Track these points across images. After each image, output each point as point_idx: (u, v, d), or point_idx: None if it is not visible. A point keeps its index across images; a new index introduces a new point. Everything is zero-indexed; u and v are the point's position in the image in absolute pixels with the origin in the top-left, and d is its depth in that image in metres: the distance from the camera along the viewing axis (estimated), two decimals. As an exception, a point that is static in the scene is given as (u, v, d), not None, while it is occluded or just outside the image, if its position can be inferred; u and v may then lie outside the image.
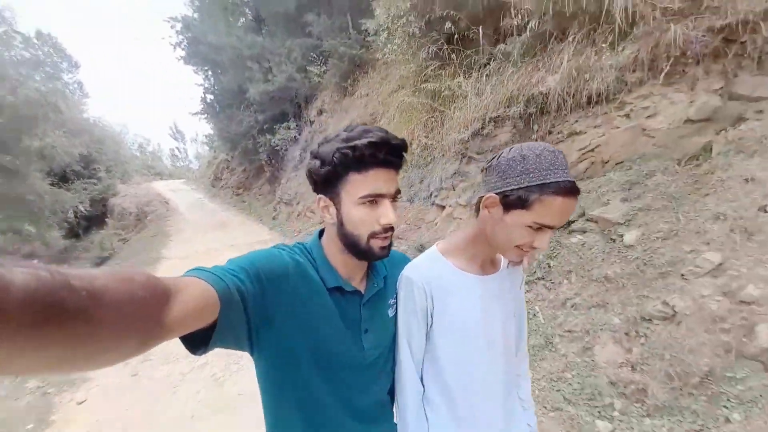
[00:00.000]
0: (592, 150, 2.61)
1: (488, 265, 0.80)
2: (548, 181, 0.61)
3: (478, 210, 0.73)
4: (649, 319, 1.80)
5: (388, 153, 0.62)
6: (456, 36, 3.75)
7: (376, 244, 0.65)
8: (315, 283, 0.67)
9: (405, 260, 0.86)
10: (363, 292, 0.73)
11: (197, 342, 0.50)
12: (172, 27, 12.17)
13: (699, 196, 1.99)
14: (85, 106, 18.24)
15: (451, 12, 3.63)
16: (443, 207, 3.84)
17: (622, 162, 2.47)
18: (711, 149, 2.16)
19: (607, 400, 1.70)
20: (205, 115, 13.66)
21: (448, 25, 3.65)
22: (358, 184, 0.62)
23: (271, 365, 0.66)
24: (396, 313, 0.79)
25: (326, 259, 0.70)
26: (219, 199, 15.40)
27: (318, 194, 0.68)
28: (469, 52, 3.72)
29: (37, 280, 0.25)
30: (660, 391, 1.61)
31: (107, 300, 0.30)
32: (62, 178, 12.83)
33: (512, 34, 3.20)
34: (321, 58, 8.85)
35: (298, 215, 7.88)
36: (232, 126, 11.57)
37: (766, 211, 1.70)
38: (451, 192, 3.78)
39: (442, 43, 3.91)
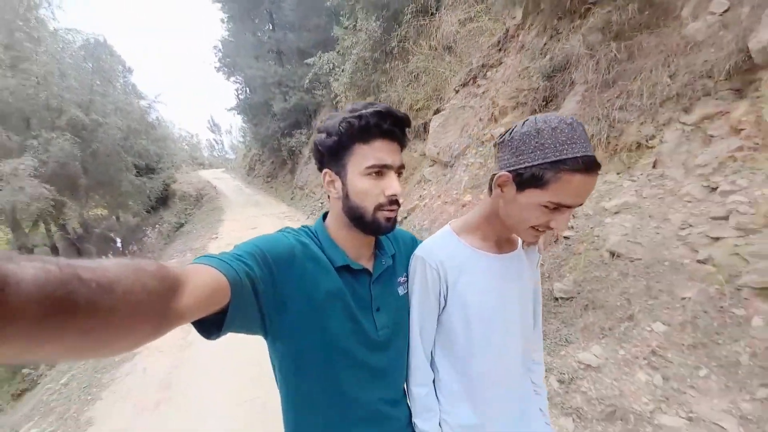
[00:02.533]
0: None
1: (505, 244, 0.76)
2: (565, 157, 0.56)
3: (491, 189, 0.69)
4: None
5: (392, 124, 0.63)
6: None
7: (382, 215, 0.65)
8: (323, 263, 0.67)
9: (412, 239, 0.86)
10: (371, 270, 0.73)
11: (210, 327, 0.52)
12: (215, 55, 16.29)
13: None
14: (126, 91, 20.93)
15: (375, 94, 7.24)
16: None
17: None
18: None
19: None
20: (241, 115, 17.86)
21: (373, 103, 7.29)
22: (363, 155, 0.63)
23: (288, 347, 0.66)
24: (407, 291, 0.77)
25: (331, 239, 0.70)
26: (253, 186, 19.74)
27: (323, 169, 0.68)
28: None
29: (47, 275, 0.26)
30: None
31: (118, 290, 0.31)
32: (141, 170, 17.62)
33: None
34: (322, 83, 12.44)
35: (306, 196, 11.77)
36: (261, 130, 15.61)
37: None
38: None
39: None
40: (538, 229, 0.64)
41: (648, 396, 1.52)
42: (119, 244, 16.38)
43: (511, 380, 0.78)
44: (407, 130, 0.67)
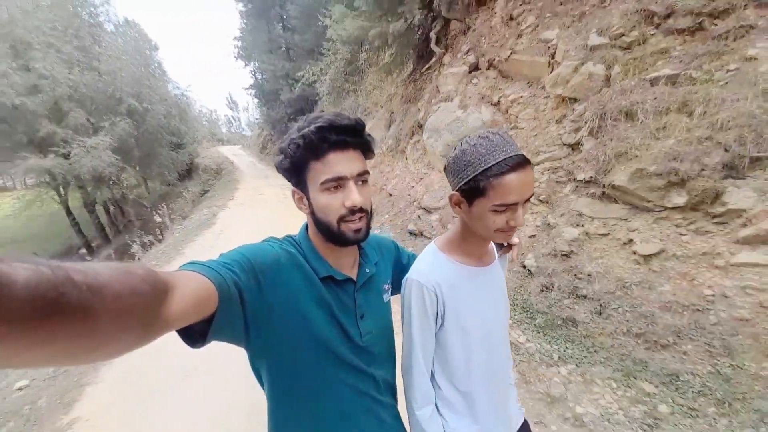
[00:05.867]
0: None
1: (485, 256, 0.85)
2: (489, 164, 0.67)
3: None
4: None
5: (339, 134, 0.64)
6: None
7: (348, 227, 0.67)
8: (307, 273, 0.70)
9: (395, 245, 0.91)
10: (355, 279, 0.76)
11: (195, 335, 0.53)
12: (235, 47, 19.50)
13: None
14: (169, 84, 21.74)
15: (348, 98, 10.34)
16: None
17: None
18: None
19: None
20: (256, 99, 21.21)
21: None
22: (318, 171, 0.65)
23: (272, 356, 0.68)
24: (390, 298, 0.83)
25: (315, 249, 0.73)
26: (265, 162, 23.15)
27: (293, 187, 0.72)
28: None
29: (39, 276, 0.26)
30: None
31: (108, 294, 0.32)
32: (173, 146, 21.34)
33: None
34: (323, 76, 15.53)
35: (304, 171, 15.17)
36: (272, 113, 18.93)
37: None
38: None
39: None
40: (503, 231, 0.72)
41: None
42: (149, 208, 20.49)
43: (502, 381, 0.86)
44: (366, 133, 0.69)
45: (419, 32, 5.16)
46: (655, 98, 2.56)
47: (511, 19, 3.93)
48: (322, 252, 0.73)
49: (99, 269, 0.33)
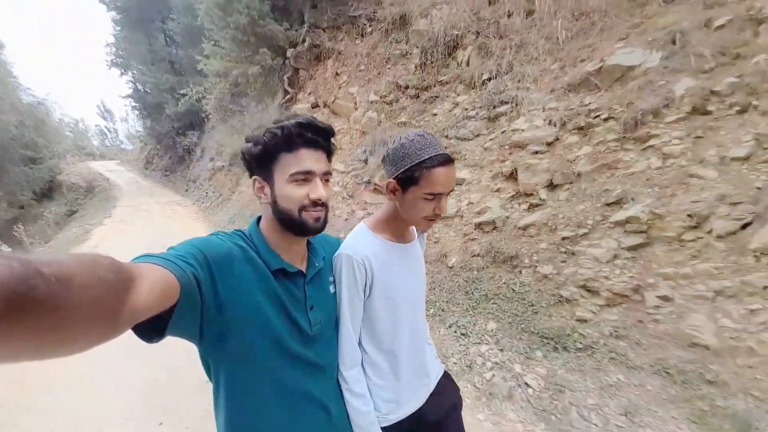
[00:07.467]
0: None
1: (408, 235, 1.00)
2: (423, 158, 0.80)
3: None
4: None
5: (314, 133, 0.72)
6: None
7: (308, 216, 0.73)
8: (259, 267, 0.73)
9: (339, 242, 0.97)
10: (305, 271, 0.82)
11: (149, 330, 0.53)
12: (108, 53, 18.21)
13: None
14: (19, 89, 18.50)
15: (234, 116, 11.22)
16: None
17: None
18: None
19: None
20: (136, 111, 19.85)
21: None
22: (288, 163, 0.71)
23: (224, 351, 0.69)
24: (336, 290, 0.90)
25: (266, 243, 0.77)
26: (150, 179, 21.50)
27: (253, 176, 0.76)
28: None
29: (10, 270, 0.26)
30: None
31: (76, 284, 0.32)
32: (25, 161, 18.33)
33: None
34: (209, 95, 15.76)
35: (197, 187, 15.05)
36: (156, 127, 18.08)
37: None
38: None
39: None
40: (430, 219, 0.86)
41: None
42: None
43: (421, 344, 1.00)
44: (333, 139, 0.77)
45: (280, 72, 6.65)
46: (397, 133, 4.58)
47: (337, 74, 5.78)
48: (274, 245, 0.77)
49: (65, 260, 0.33)
